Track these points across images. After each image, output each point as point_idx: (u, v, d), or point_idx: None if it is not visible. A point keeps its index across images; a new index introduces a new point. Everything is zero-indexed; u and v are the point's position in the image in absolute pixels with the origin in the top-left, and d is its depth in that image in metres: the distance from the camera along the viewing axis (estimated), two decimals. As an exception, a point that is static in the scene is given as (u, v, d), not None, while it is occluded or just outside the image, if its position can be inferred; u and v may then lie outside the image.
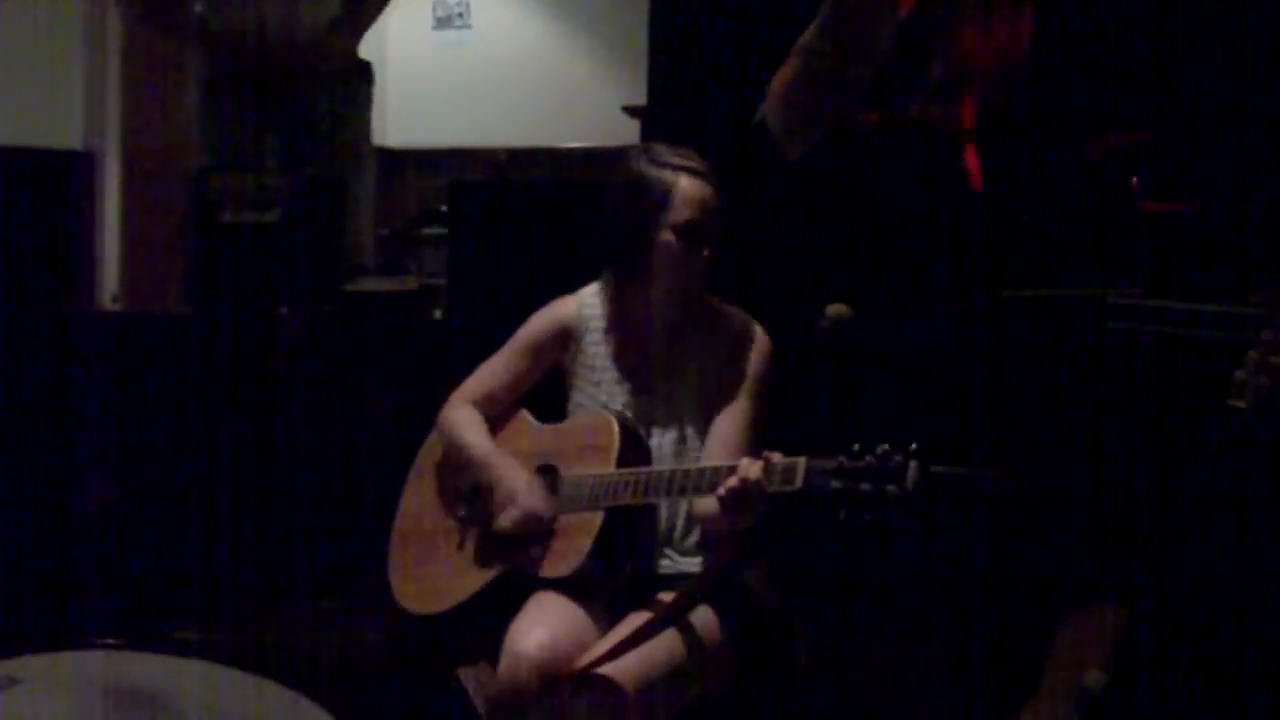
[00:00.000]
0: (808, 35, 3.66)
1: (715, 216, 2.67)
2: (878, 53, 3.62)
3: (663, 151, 2.71)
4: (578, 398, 2.77)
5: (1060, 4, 4.52)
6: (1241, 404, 2.39)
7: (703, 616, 2.56)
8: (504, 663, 2.47)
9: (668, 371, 2.72)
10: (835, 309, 3.69)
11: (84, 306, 4.25)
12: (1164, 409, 2.86)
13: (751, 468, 2.34)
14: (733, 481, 2.36)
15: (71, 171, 5.69)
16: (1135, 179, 3.98)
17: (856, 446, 2.24)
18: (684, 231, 2.64)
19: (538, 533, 2.60)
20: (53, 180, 5.23)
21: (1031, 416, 3.19)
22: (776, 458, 2.34)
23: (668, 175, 2.67)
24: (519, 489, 2.63)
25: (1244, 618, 2.53)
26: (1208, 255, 3.54)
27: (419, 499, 2.86)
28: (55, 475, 3.74)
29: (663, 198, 2.65)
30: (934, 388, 3.34)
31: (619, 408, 2.70)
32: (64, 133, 5.82)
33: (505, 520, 2.63)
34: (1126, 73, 4.36)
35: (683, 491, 2.46)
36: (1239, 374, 2.42)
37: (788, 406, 2.98)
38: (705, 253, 2.65)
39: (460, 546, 2.76)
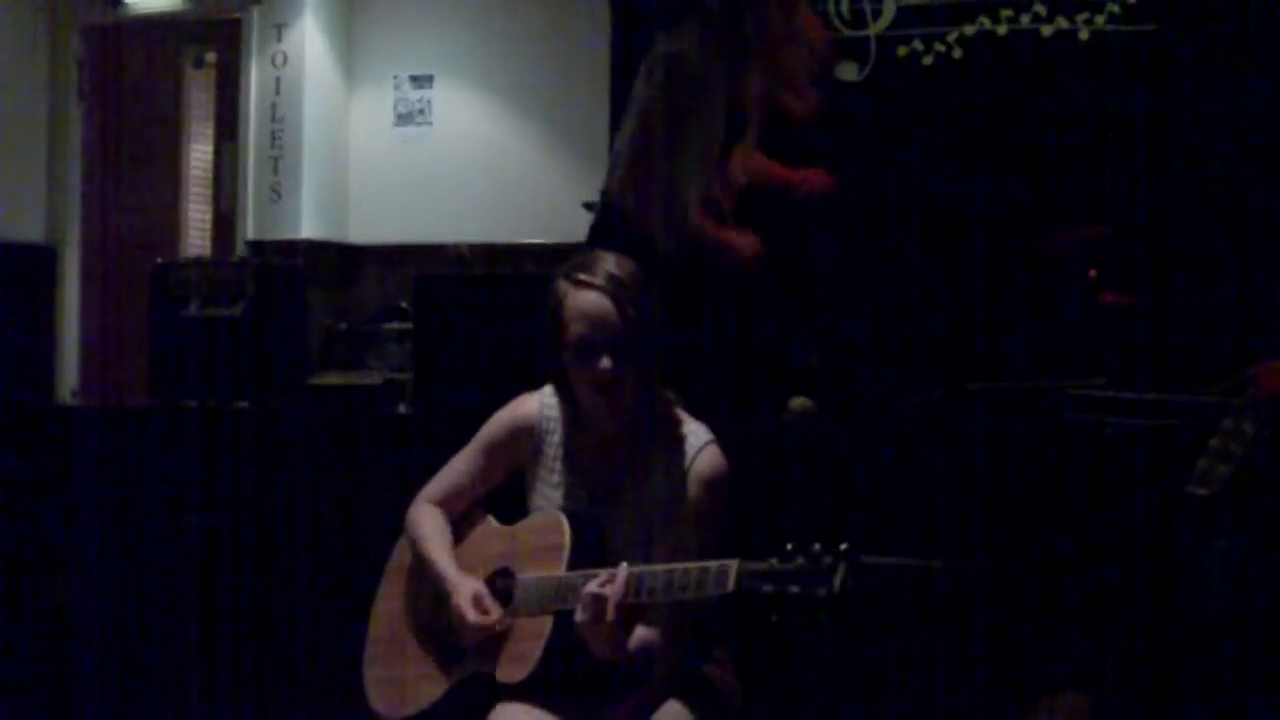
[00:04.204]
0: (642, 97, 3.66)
1: (608, 330, 2.56)
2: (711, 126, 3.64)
3: (577, 264, 2.63)
4: (537, 499, 2.74)
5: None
6: (1204, 491, 2.42)
7: (668, 708, 2.56)
8: None
9: (624, 481, 2.67)
10: (798, 402, 3.71)
11: (44, 401, 4.22)
12: (1126, 498, 2.90)
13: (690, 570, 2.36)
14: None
15: (32, 264, 5.68)
16: (1093, 272, 4.06)
17: (790, 546, 2.24)
18: (575, 346, 2.58)
19: (494, 639, 2.59)
20: (13, 273, 5.22)
21: (994, 506, 3.22)
22: (712, 562, 2.34)
23: (562, 288, 2.60)
24: (465, 607, 2.60)
25: (1212, 703, 2.54)
26: (1166, 346, 3.60)
27: (390, 601, 2.84)
28: (46, 575, 3.71)
29: (557, 312, 2.60)
30: (896, 479, 3.36)
31: (576, 510, 2.68)
32: (25, 226, 5.82)
33: (461, 637, 2.62)
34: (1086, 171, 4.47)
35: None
36: (1201, 461, 2.45)
37: (753, 499, 2.99)
38: (604, 364, 2.56)
39: (427, 651, 2.73)
